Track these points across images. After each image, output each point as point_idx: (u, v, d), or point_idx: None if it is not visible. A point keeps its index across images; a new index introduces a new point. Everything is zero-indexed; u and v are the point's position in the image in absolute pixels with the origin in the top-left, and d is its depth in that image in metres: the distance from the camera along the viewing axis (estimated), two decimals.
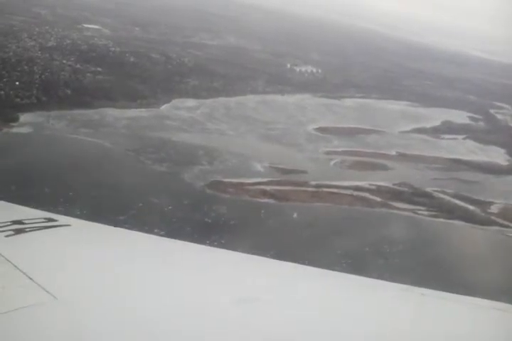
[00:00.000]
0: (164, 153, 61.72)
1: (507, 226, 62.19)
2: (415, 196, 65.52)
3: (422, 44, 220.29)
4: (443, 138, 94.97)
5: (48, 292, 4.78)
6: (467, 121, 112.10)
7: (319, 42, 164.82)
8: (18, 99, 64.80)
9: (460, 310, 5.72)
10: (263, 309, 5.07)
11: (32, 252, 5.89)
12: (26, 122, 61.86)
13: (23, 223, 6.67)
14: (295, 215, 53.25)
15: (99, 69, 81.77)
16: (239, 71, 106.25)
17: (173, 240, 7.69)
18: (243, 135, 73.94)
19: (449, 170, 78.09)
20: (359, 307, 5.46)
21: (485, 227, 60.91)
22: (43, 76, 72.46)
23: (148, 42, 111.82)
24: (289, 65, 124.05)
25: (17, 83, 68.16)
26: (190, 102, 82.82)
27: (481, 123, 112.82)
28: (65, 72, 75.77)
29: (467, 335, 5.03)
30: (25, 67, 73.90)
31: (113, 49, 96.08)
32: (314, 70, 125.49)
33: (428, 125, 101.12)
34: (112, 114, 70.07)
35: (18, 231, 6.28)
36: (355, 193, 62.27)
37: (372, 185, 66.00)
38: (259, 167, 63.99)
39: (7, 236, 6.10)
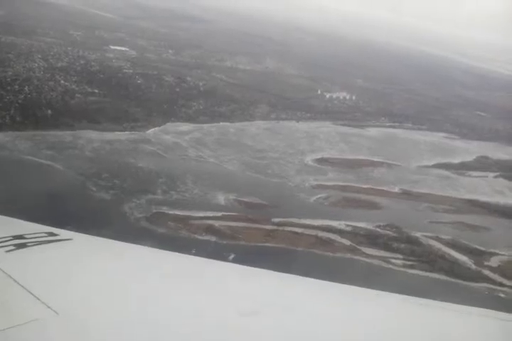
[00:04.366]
0: (119, 179, 58.19)
1: (500, 284, 52.65)
2: (396, 241, 57.43)
3: (483, 70, 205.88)
4: (468, 176, 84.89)
5: (49, 307, 4.75)
6: (509, 157, 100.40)
7: (368, 68, 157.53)
8: None
9: (457, 319, 5.80)
10: (265, 321, 5.14)
11: (33, 267, 5.79)
12: None
13: (25, 238, 6.60)
14: (231, 257, 47.51)
15: (95, 90, 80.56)
16: (258, 96, 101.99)
17: (175, 253, 7.67)
18: (224, 163, 69.13)
19: (457, 213, 68.70)
20: (360, 318, 5.55)
21: (469, 283, 51.83)
22: (28, 96, 71.85)
23: (171, 65, 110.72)
24: (319, 91, 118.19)
25: None
26: (185, 127, 79.40)
27: None
28: (54, 92, 74.87)
29: None
30: (16, 87, 73.84)
31: (126, 71, 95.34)
32: (347, 97, 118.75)
33: (456, 160, 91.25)
34: (88, 136, 67.89)
35: (19, 246, 6.20)
36: (321, 234, 55.41)
37: (349, 225, 58.75)
38: (221, 199, 58.81)
39: (8, 251, 6.00)
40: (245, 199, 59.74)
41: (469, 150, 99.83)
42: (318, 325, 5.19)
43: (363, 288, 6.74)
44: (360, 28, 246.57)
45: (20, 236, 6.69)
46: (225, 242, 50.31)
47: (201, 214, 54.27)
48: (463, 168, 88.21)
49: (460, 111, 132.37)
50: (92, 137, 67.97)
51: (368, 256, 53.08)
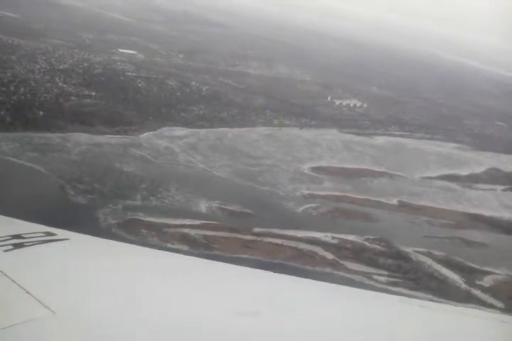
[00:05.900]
0: (100, 183, 56.85)
1: (490, 306, 49.36)
2: (383, 256, 54.65)
3: (507, 78, 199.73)
4: (475, 188, 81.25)
5: (46, 307, 4.76)
6: None
7: (385, 74, 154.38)
8: None
9: (456, 321, 5.81)
10: (264, 321, 5.12)
11: (31, 267, 5.81)
12: None
13: (23, 237, 6.60)
14: None
15: (92, 93, 79.74)
16: (262, 101, 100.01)
17: (172, 254, 7.87)
18: (215, 169, 67.31)
19: (457, 227, 65.48)
20: (358, 319, 5.54)
21: (456, 304, 48.55)
22: (22, 97, 71.34)
23: (179, 69, 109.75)
24: (329, 98, 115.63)
25: None
26: (181, 131, 77.92)
27: None
28: (48, 94, 74.25)
29: None
30: (12, 88, 73.42)
31: (129, 74, 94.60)
32: (358, 104, 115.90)
33: (465, 172, 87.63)
34: (77, 139, 66.86)
35: (17, 246, 6.21)
36: (302, 246, 53.00)
37: (336, 238, 56.21)
38: (203, 207, 56.97)
39: (6, 250, 6.01)
40: (228, 208, 57.78)
41: (480, 161, 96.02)
42: (317, 325, 5.19)
43: (362, 289, 6.77)
44: (380, 33, 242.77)
45: (19, 236, 6.65)
46: (197, 252, 48.30)
47: (178, 221, 52.47)
48: (470, 180, 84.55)
49: (477, 121, 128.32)
50: (81, 140, 66.94)
51: (349, 271, 50.46)
